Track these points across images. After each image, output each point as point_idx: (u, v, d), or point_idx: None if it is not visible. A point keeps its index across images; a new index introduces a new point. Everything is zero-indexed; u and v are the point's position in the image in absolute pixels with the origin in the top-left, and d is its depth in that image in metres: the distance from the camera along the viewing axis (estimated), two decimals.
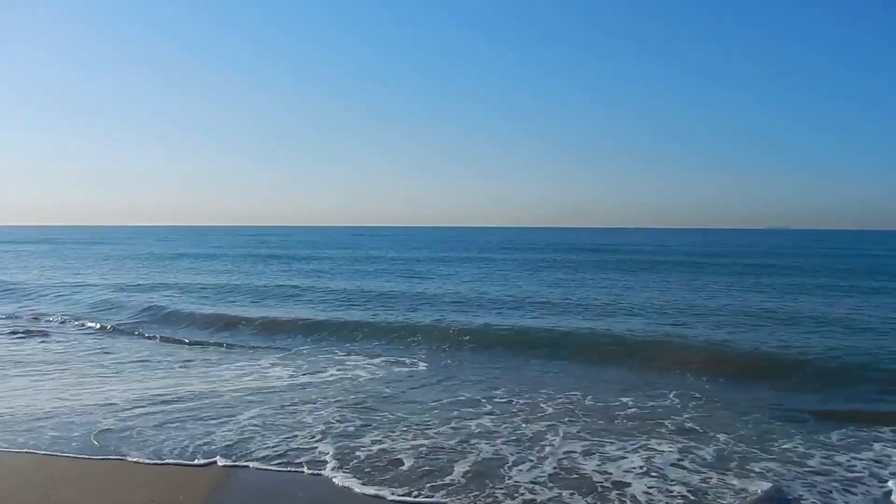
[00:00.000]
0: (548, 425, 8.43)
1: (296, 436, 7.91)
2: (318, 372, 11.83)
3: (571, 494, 6.24)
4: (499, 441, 7.77)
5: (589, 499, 6.15)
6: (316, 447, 7.48)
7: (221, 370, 11.98)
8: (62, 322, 18.11)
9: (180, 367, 12.31)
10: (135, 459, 7.10)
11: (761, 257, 47.88)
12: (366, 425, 8.39)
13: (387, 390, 10.41)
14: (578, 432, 8.15)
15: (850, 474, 6.83)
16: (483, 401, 9.73)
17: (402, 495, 6.18)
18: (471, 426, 8.40)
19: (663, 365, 11.84)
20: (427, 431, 8.15)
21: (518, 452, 7.35)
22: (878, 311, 18.61)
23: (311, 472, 6.79)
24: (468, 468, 6.85)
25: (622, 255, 49.84)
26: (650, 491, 6.31)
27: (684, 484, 6.48)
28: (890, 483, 6.57)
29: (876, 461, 7.24)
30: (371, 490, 6.30)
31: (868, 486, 6.56)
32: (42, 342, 14.96)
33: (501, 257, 47.60)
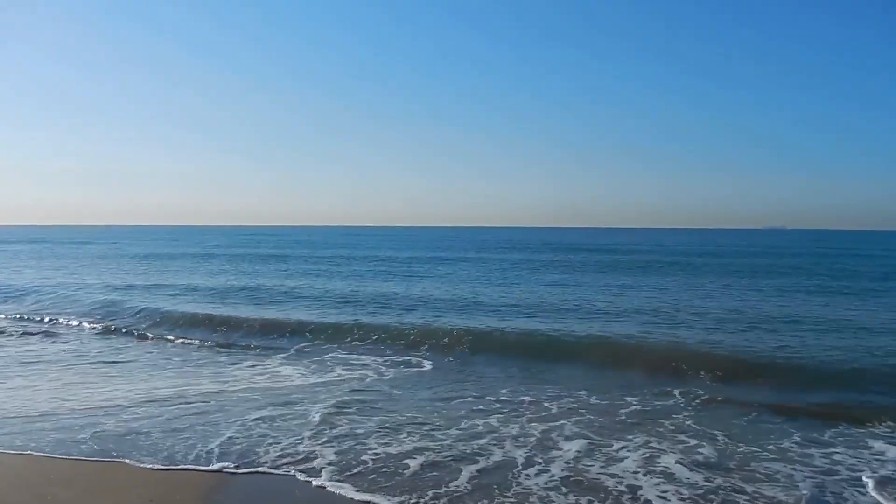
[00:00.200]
0: (554, 425, 8.55)
1: (302, 438, 7.90)
2: (326, 372, 11.95)
3: (590, 502, 6.18)
4: (507, 442, 7.84)
5: None
6: (319, 450, 7.45)
7: (228, 370, 12.10)
8: (64, 322, 18.12)
9: (185, 367, 12.43)
10: (135, 461, 7.12)
11: (759, 257, 48.12)
12: (373, 426, 8.45)
13: (396, 391, 10.53)
14: (586, 432, 8.27)
15: (853, 473, 6.95)
16: (490, 400, 9.88)
17: None
18: (478, 426, 8.50)
19: (663, 365, 11.91)
20: (434, 433, 8.21)
21: (526, 455, 7.39)
22: (874, 312, 18.79)
23: (307, 477, 6.71)
24: (475, 473, 6.80)
25: (621, 256, 50.01)
26: (665, 495, 6.30)
27: (695, 486, 6.52)
28: (864, 476, 6.76)
29: (876, 458, 7.42)
30: (366, 497, 6.22)
31: (873, 482, 6.67)
32: (43, 343, 15.04)
33: (500, 257, 47.69)
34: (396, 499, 6.19)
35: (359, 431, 8.21)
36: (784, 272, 34.28)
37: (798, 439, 8.02)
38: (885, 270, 35.66)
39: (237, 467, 6.98)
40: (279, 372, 12.00)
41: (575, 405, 9.56)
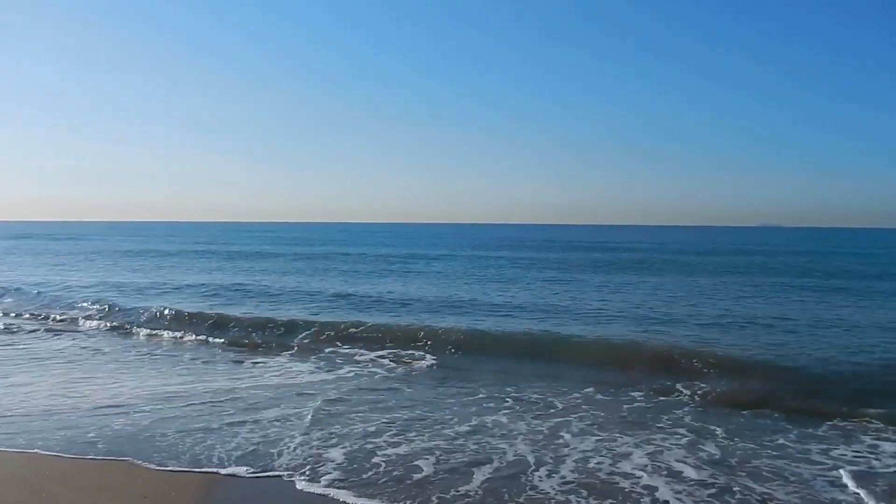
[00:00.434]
0: (560, 422, 8.80)
1: (313, 439, 7.93)
2: (335, 369, 12.19)
3: None
4: (518, 441, 7.98)
5: None
6: (329, 453, 7.45)
7: (237, 367, 12.30)
8: (66, 319, 18.18)
9: (192, 365, 12.61)
10: (138, 459, 7.19)
11: (756, 255, 48.37)
12: (384, 424, 8.60)
13: (406, 388, 10.80)
14: (592, 429, 8.50)
15: (857, 468, 7.21)
16: (499, 397, 10.14)
17: None
18: (487, 423, 8.74)
19: (662, 364, 12.04)
20: (445, 431, 8.33)
21: (535, 452, 7.53)
22: (869, 310, 19.10)
23: (312, 481, 6.66)
24: (488, 475, 6.81)
25: (620, 254, 50.32)
26: (679, 496, 6.40)
27: (705, 485, 6.68)
28: (841, 471, 7.02)
29: (871, 452, 7.73)
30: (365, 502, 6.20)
31: (878, 478, 6.93)
32: (47, 339, 15.18)
33: (498, 255, 47.81)
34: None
35: (370, 430, 8.33)
36: (781, 270, 34.64)
37: (795, 436, 8.32)
38: (881, 269, 35.91)
39: (243, 469, 6.97)
40: (290, 369, 12.22)
41: (580, 402, 9.84)
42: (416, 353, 13.45)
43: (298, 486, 6.54)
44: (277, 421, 8.67)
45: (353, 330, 15.25)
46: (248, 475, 6.83)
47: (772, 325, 16.29)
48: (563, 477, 6.83)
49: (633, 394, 10.37)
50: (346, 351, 13.84)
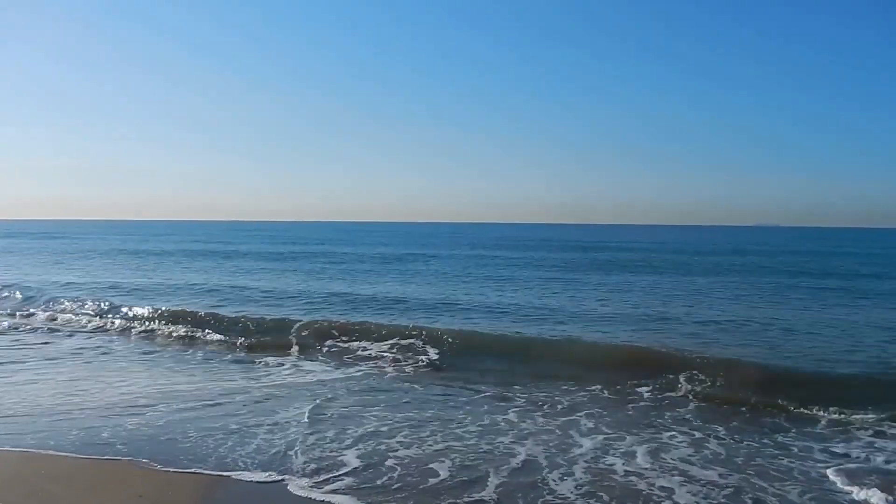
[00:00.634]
0: (569, 420, 9.00)
1: (329, 441, 7.94)
2: (344, 368, 12.37)
3: None
4: (529, 441, 8.05)
5: None
6: (345, 455, 7.44)
7: (245, 369, 12.28)
8: (72, 318, 18.12)
9: (198, 365, 12.61)
10: (135, 459, 7.21)
11: (755, 255, 48.56)
12: (396, 424, 8.66)
13: (416, 387, 10.95)
14: (601, 428, 8.65)
15: (857, 465, 7.42)
16: (506, 396, 10.32)
17: None
18: (499, 421, 8.90)
19: (662, 364, 12.04)
20: (457, 431, 8.42)
21: (547, 452, 7.58)
22: (867, 310, 19.28)
23: (315, 484, 6.60)
24: (504, 479, 6.81)
25: (619, 254, 50.53)
26: (697, 499, 6.44)
27: (716, 485, 6.76)
28: (828, 471, 7.16)
29: (871, 452, 7.90)
30: None
31: (878, 477, 7.07)
32: (53, 339, 15.18)
33: (497, 255, 47.86)
34: None
35: (383, 430, 8.38)
36: (780, 270, 34.83)
37: (794, 434, 8.54)
38: (879, 270, 36.11)
39: (250, 471, 6.92)
40: (300, 368, 12.36)
41: (585, 401, 10.05)
42: (422, 353, 13.49)
43: (308, 493, 6.44)
44: (289, 421, 8.69)
45: (358, 329, 15.27)
46: (250, 477, 6.79)
47: (770, 324, 16.49)
48: (579, 479, 6.86)
49: (635, 393, 10.56)
50: (353, 350, 13.89)
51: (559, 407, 9.63)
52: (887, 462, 7.51)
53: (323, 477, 6.77)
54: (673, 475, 6.95)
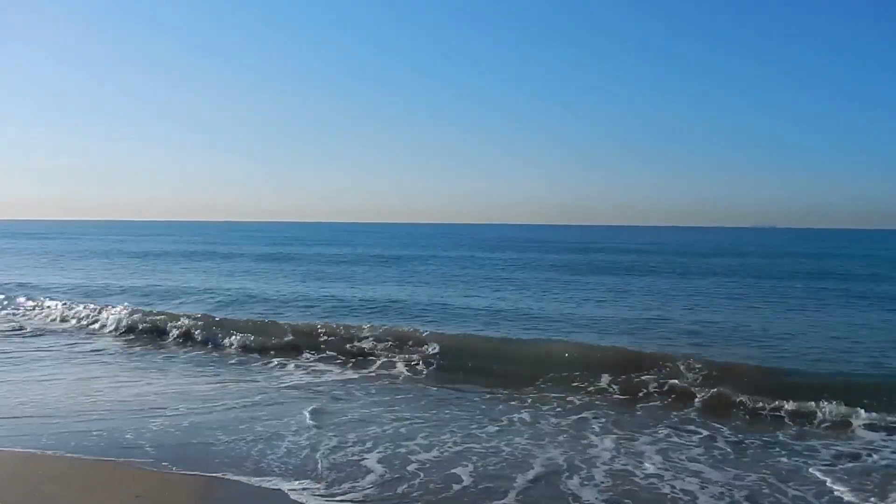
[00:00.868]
0: (582, 421, 9.21)
1: (346, 445, 7.94)
2: (357, 369, 12.56)
3: None
4: (546, 442, 8.18)
5: None
6: (367, 458, 7.46)
7: (254, 371, 12.33)
8: (81, 320, 18.15)
9: (214, 369, 12.59)
10: (136, 459, 7.23)
11: (755, 257, 48.76)
12: (416, 425, 8.79)
13: (432, 388, 11.19)
14: (613, 429, 8.83)
15: (855, 464, 7.63)
16: (518, 397, 10.51)
17: None
18: (515, 421, 9.12)
19: (661, 364, 12.08)
20: (475, 431, 8.56)
21: (565, 454, 7.69)
22: (865, 311, 19.39)
23: (327, 490, 6.52)
24: (527, 483, 6.81)
25: (619, 255, 50.66)
26: (724, 502, 6.50)
27: (732, 486, 6.88)
28: (828, 472, 7.32)
29: (869, 448, 8.18)
30: None
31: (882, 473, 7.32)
32: (62, 340, 15.13)
33: (500, 256, 47.86)
34: None
35: (402, 431, 8.48)
36: (779, 270, 35.04)
37: (794, 432, 8.84)
38: (878, 271, 36.35)
39: (253, 473, 6.89)
40: (314, 369, 12.49)
41: (594, 402, 10.30)
42: (431, 355, 13.46)
43: (317, 494, 6.42)
44: (305, 424, 8.72)
45: (366, 331, 15.17)
46: (250, 478, 6.76)
47: (770, 326, 16.72)
48: (600, 483, 6.89)
49: (641, 393, 10.76)
50: (363, 352, 13.86)
51: (569, 407, 9.88)
52: (887, 462, 7.70)
53: (343, 486, 6.65)
54: (689, 477, 7.02)
